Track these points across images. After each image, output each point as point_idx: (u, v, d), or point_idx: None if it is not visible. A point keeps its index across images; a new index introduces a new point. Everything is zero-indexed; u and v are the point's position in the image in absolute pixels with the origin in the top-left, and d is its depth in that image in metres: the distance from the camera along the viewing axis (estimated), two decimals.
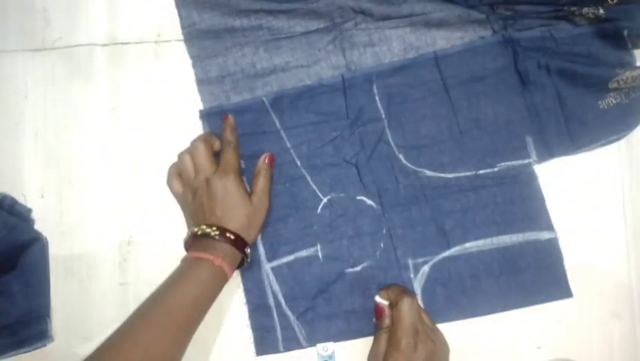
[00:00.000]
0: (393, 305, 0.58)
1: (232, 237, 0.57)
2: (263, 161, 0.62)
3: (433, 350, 0.56)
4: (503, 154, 0.63)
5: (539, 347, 0.62)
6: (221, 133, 0.64)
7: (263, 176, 0.62)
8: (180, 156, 0.62)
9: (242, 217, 0.59)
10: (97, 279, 0.64)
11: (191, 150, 0.62)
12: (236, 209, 0.59)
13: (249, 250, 0.59)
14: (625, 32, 0.62)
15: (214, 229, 0.57)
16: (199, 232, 0.57)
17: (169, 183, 0.63)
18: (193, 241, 0.59)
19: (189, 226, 0.62)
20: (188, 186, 0.61)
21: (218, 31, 0.65)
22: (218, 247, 0.57)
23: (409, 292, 0.59)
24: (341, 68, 0.65)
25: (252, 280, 0.63)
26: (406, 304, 0.57)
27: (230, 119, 0.64)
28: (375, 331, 0.60)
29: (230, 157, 0.61)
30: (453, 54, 0.64)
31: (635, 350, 0.62)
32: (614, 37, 0.63)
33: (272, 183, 0.63)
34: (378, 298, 0.61)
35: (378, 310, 0.60)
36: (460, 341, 0.61)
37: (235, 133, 0.63)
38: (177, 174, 0.63)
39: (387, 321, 0.59)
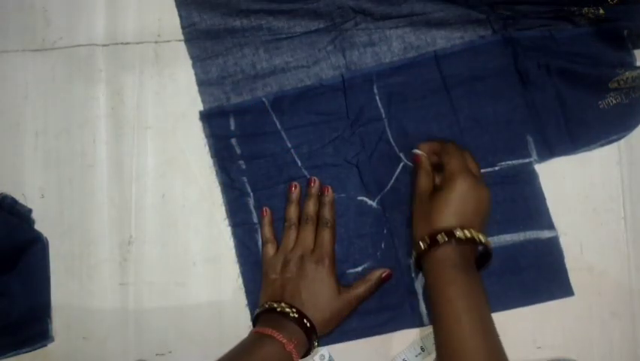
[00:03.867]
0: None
1: (308, 325, 0.56)
2: (379, 274, 0.61)
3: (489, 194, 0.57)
4: (504, 153, 0.63)
5: (539, 347, 0.62)
6: (222, 134, 0.64)
7: (368, 284, 0.60)
8: (287, 227, 0.62)
9: (325, 310, 0.58)
10: (97, 279, 0.64)
11: (298, 226, 0.62)
12: (322, 299, 0.58)
13: (316, 344, 0.58)
14: (625, 32, 0.61)
15: (294, 310, 0.56)
16: (278, 309, 0.56)
17: (264, 244, 0.63)
18: (266, 315, 0.57)
19: (264, 294, 0.61)
20: (282, 254, 0.61)
21: (218, 32, 0.65)
22: (291, 330, 0.55)
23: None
24: (341, 68, 0.65)
25: (254, 282, 0.63)
26: (454, 144, 0.58)
27: (330, 194, 0.63)
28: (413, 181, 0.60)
29: (326, 239, 0.60)
30: (453, 54, 0.64)
31: (635, 350, 0.62)
32: (614, 37, 0.63)
33: (371, 295, 0.61)
34: (415, 151, 0.61)
35: (415, 160, 0.61)
36: None
37: (334, 210, 0.62)
38: (274, 239, 0.63)
39: (426, 163, 0.60)
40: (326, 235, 0.60)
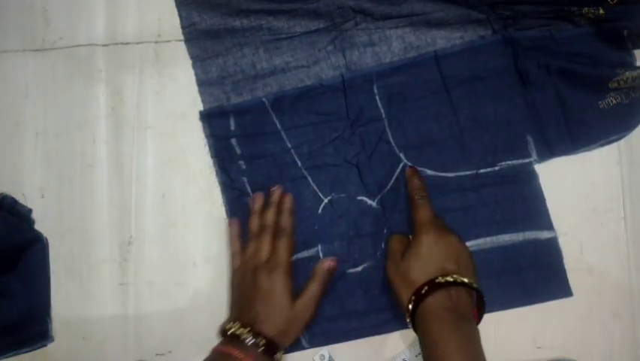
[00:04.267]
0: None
1: (263, 342, 0.55)
2: (325, 265, 0.60)
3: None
4: (504, 153, 0.63)
5: (539, 347, 0.62)
6: (222, 134, 0.64)
7: (318, 281, 0.59)
8: (250, 239, 0.62)
9: (280, 321, 0.56)
10: (97, 279, 0.64)
11: (257, 235, 0.61)
12: (276, 310, 0.57)
13: (279, 357, 0.56)
14: (625, 32, 0.61)
15: (248, 330, 0.55)
16: (229, 332, 0.55)
17: (231, 256, 0.63)
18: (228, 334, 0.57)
19: (229, 308, 0.61)
20: (242, 266, 0.60)
21: (218, 32, 0.65)
22: (249, 345, 0.55)
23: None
24: (341, 68, 0.65)
25: None
26: (423, 198, 0.59)
27: (288, 201, 0.62)
28: None
29: (282, 247, 0.59)
30: (453, 54, 0.64)
31: (635, 350, 0.62)
32: (614, 37, 0.63)
33: (324, 290, 0.60)
34: None
35: None
36: None
37: (292, 217, 0.62)
38: (240, 250, 0.62)
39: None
40: (281, 243, 0.60)
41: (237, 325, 0.56)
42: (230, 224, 0.63)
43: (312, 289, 0.59)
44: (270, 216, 0.61)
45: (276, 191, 0.63)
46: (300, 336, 0.61)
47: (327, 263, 0.60)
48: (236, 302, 0.59)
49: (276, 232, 0.61)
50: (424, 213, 0.58)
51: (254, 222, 0.62)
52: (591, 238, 0.63)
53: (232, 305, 0.61)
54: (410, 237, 0.61)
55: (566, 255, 0.62)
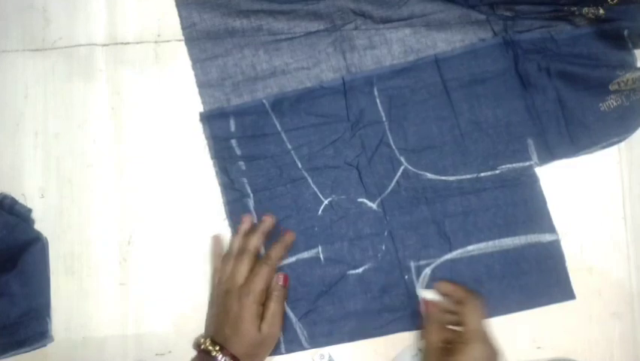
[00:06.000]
0: (459, 302, 0.57)
1: None
2: (276, 281, 0.60)
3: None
4: (504, 156, 0.63)
5: (539, 347, 0.62)
6: (222, 135, 0.64)
7: (275, 299, 0.59)
8: (229, 258, 0.61)
9: (248, 345, 0.57)
10: (97, 279, 0.64)
11: (236, 257, 0.61)
12: (244, 336, 0.57)
13: None
14: (625, 32, 0.61)
15: (217, 348, 0.56)
16: (202, 346, 0.56)
17: (213, 272, 0.62)
18: (198, 349, 0.58)
19: (206, 320, 0.61)
20: (220, 285, 0.60)
21: (218, 32, 0.65)
22: None
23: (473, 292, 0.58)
24: (341, 71, 0.65)
25: None
26: (479, 303, 0.56)
27: (290, 237, 0.62)
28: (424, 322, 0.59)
29: (261, 274, 0.59)
30: (453, 57, 0.64)
31: (635, 350, 0.62)
32: (614, 37, 0.63)
33: (284, 305, 0.61)
34: (425, 295, 0.60)
35: (426, 307, 0.59)
36: None
37: (284, 252, 0.62)
38: (218, 267, 0.62)
39: (437, 315, 0.58)
40: (262, 270, 0.59)
41: (209, 342, 0.56)
42: (213, 240, 0.63)
43: (273, 308, 0.59)
44: (254, 241, 0.61)
45: (268, 221, 0.62)
46: (299, 336, 0.62)
47: (278, 277, 0.61)
48: (211, 319, 0.60)
49: (264, 258, 0.60)
50: (478, 318, 0.55)
51: (236, 242, 0.62)
52: (591, 238, 0.63)
53: (208, 320, 0.61)
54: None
55: (566, 255, 0.62)
